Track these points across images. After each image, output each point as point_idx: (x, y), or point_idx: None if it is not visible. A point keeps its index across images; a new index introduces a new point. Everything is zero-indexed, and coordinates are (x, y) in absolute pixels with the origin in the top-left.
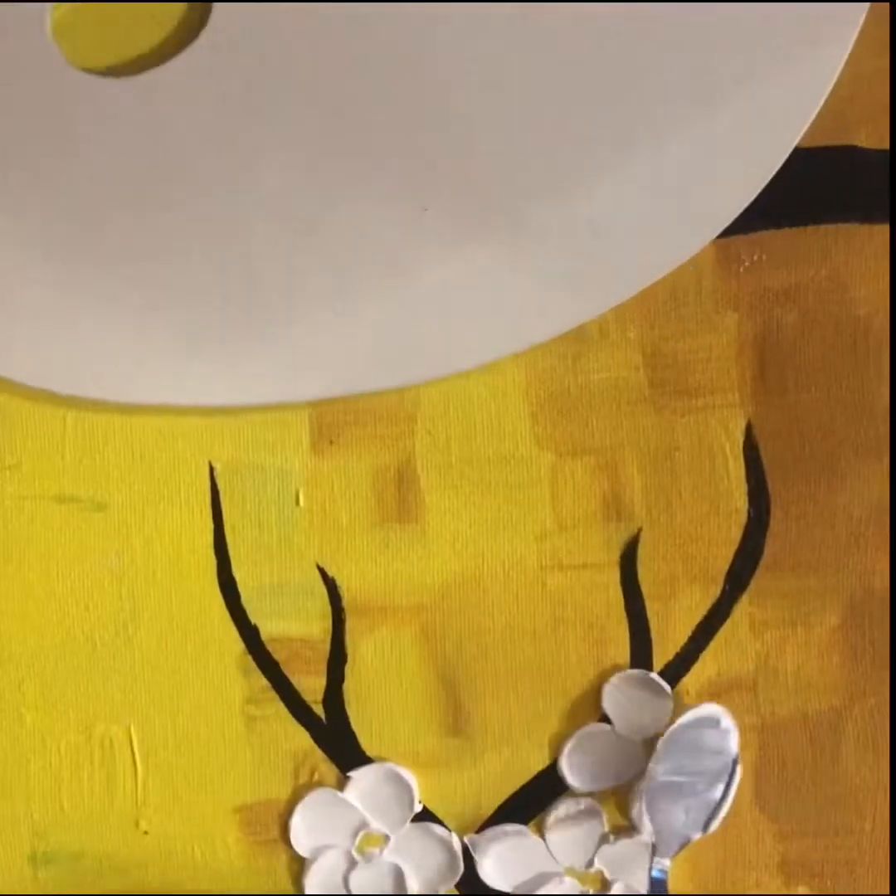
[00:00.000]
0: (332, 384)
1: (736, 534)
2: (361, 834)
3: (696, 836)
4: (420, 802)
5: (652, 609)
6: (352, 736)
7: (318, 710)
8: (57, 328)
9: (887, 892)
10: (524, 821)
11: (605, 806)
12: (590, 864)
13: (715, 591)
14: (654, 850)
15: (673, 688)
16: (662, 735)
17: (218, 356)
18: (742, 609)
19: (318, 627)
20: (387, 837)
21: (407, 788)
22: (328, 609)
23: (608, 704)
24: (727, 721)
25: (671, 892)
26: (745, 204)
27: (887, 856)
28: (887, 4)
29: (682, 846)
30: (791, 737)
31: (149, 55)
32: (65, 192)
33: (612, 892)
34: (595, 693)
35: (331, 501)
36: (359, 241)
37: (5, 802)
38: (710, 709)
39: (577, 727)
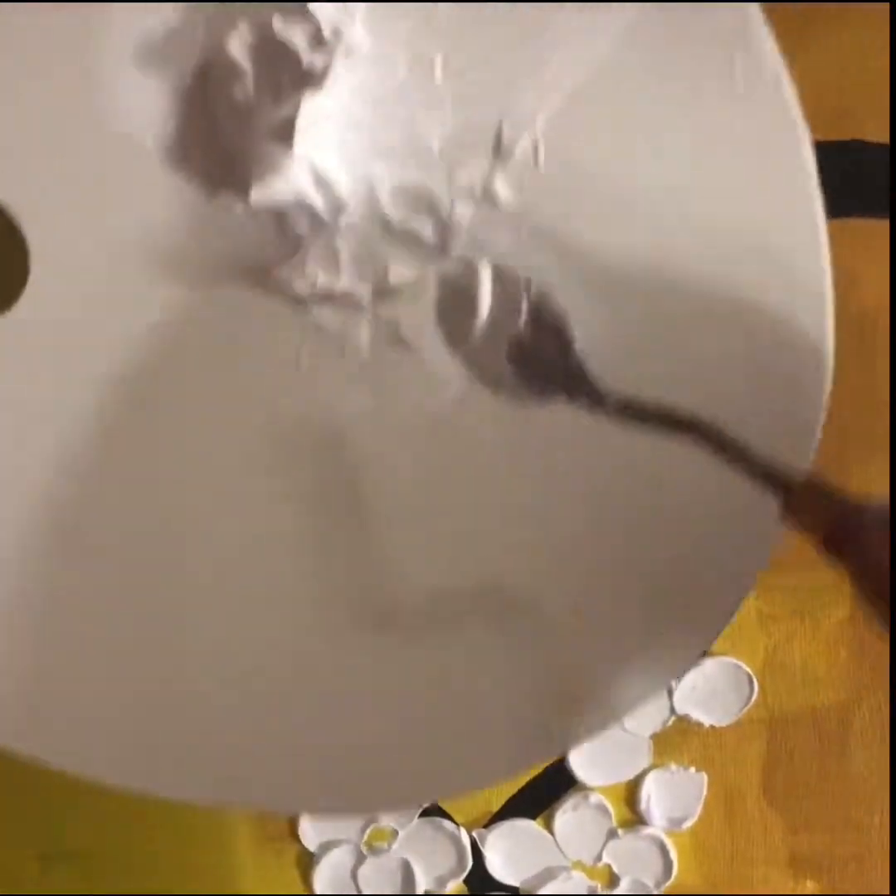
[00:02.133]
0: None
1: None
2: (370, 828)
3: None
4: None
5: None
6: None
7: None
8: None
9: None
10: (532, 815)
11: (614, 801)
12: (598, 858)
13: None
14: None
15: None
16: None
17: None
18: (750, 603)
19: None
20: (395, 832)
21: None
22: None
23: None
24: None
25: (677, 889)
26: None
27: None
28: (887, 4)
29: None
30: (799, 731)
31: None
32: None
33: (620, 887)
34: None
35: None
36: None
37: (16, 801)
38: None
39: None
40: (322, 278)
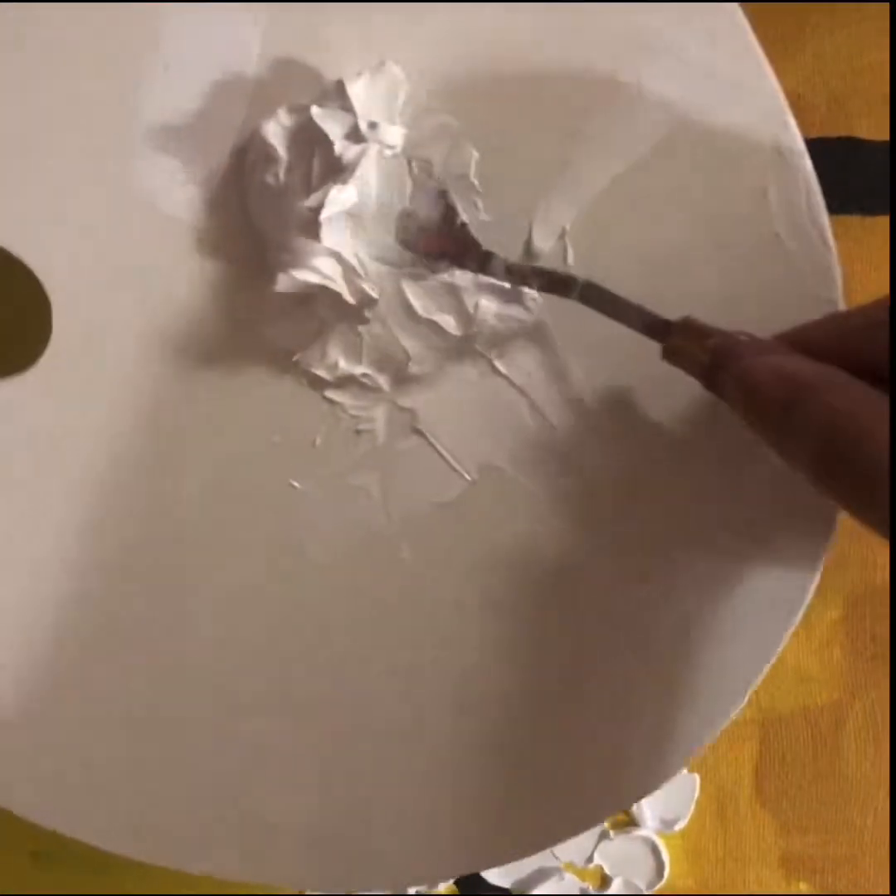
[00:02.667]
0: None
1: None
2: None
3: None
4: None
5: None
6: None
7: None
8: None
9: (889, 889)
10: None
11: None
12: (589, 859)
13: None
14: None
15: None
16: None
17: None
18: None
19: None
20: None
21: None
22: None
23: None
24: None
25: (669, 890)
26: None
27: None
28: (887, 4)
29: None
30: (792, 731)
31: None
32: None
33: (611, 888)
34: None
35: None
36: None
37: None
38: None
39: None
40: (343, 363)
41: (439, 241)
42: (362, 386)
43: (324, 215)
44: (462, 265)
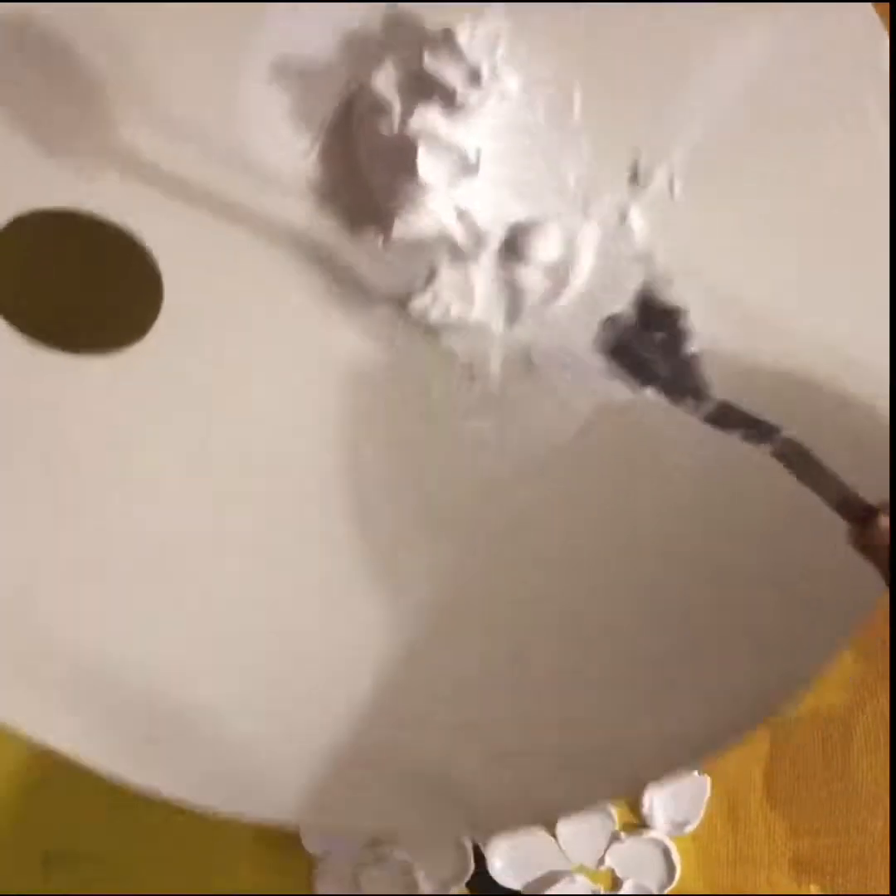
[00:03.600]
0: None
1: None
2: None
3: None
4: None
5: None
6: None
7: None
8: None
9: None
10: None
11: (616, 804)
12: (601, 862)
13: None
14: None
15: None
16: None
17: None
18: None
19: None
20: None
21: None
22: None
23: None
24: None
25: (680, 892)
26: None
27: None
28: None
29: None
30: (802, 733)
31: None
32: None
33: (623, 890)
34: None
35: None
36: None
37: (19, 802)
38: None
39: None
40: (455, 308)
41: (657, 364)
42: (475, 329)
43: (416, 132)
44: (675, 399)
